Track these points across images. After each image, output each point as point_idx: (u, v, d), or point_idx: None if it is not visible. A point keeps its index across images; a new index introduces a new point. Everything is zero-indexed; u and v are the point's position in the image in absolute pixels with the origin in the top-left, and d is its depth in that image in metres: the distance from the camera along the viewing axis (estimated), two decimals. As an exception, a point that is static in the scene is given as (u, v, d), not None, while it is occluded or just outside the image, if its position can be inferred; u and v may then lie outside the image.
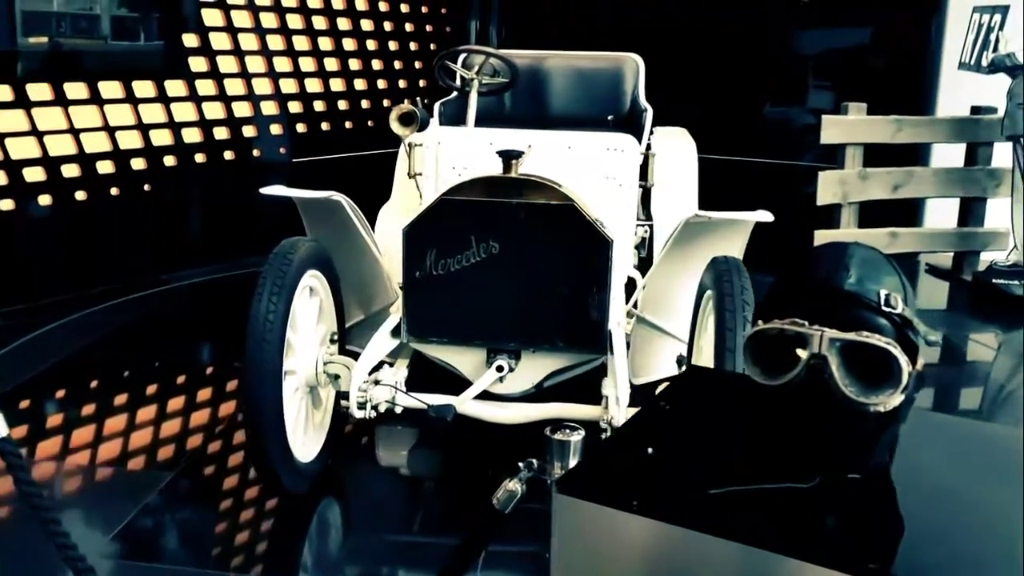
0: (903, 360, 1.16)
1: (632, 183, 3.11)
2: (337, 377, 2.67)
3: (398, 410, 2.66)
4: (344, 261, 2.83)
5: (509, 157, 2.60)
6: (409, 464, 3.06)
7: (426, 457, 3.09)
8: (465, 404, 2.63)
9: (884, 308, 1.18)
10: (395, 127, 3.15)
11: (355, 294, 2.97)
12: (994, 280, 4.85)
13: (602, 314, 2.62)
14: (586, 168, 2.95)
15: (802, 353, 1.16)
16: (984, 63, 4.89)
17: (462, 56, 3.75)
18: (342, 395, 2.73)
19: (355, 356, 2.73)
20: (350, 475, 2.97)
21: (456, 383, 2.76)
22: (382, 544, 2.60)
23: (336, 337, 2.79)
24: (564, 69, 3.92)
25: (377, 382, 2.65)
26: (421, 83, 6.37)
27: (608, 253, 2.58)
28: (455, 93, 3.82)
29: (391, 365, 2.82)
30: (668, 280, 2.92)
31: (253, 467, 2.75)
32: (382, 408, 2.64)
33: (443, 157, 3.12)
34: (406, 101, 3.85)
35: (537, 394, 2.79)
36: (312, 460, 2.68)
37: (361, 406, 2.59)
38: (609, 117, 3.81)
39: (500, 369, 2.65)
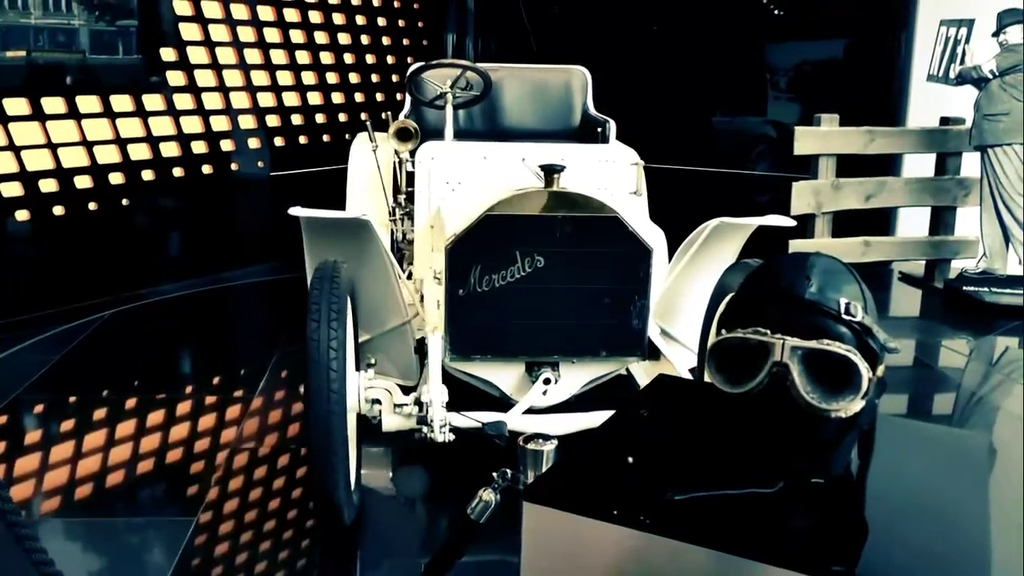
0: (863, 367, 1.19)
1: (624, 193, 3.15)
2: (377, 402, 2.62)
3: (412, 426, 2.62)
4: (360, 281, 2.79)
5: (551, 171, 2.61)
6: (396, 483, 3.03)
7: (410, 474, 3.07)
8: (516, 418, 2.61)
9: (844, 316, 1.21)
10: (393, 143, 3.15)
11: (366, 314, 2.93)
12: (965, 287, 4.92)
13: (643, 321, 2.66)
14: (581, 179, 2.98)
15: (765, 361, 1.19)
16: (952, 75, 4.98)
17: (411, 71, 3.80)
18: (361, 419, 2.68)
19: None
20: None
21: (479, 399, 2.75)
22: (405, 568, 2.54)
23: (374, 361, 2.73)
24: (515, 81, 3.95)
25: (419, 403, 2.61)
26: (398, 96, 6.40)
27: (649, 262, 2.63)
28: (408, 107, 3.86)
29: (415, 387, 2.79)
30: (680, 286, 2.95)
31: (315, 500, 2.61)
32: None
33: (435, 172, 3.12)
34: (390, 116, 3.87)
35: (575, 403, 2.79)
36: (355, 489, 2.62)
37: (442, 430, 2.53)
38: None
39: (547, 382, 2.66)
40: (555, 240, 2.57)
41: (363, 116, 6.01)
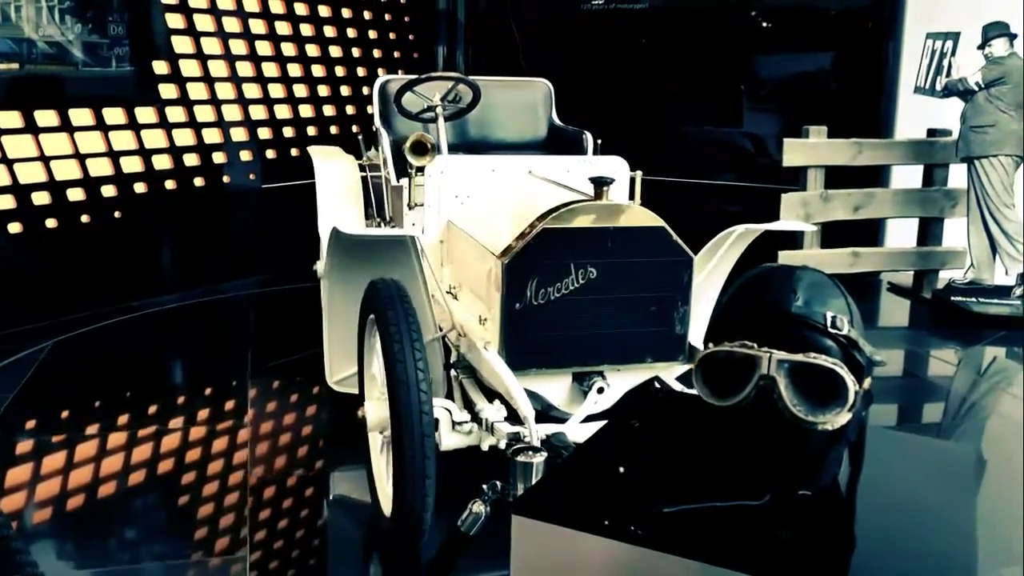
0: (849, 380, 1.20)
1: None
2: (436, 421, 2.57)
3: (503, 444, 2.57)
4: None
5: (601, 184, 2.65)
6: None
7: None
8: (574, 428, 2.61)
9: (831, 330, 1.23)
10: (410, 158, 3.16)
11: None
12: (952, 298, 4.95)
13: (685, 326, 2.72)
14: (584, 190, 3.02)
15: (752, 374, 1.20)
16: (938, 87, 5.03)
17: (380, 83, 3.87)
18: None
19: None
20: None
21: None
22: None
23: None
24: (484, 94, 3.97)
25: (478, 420, 2.60)
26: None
27: (691, 269, 2.70)
28: (377, 120, 3.88)
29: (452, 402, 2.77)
30: (697, 293, 3.00)
31: (396, 524, 2.47)
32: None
33: (445, 186, 3.15)
34: (381, 133, 3.88)
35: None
36: None
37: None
38: (598, 141, 3.88)
39: (600, 391, 2.68)
40: (606, 251, 2.61)
41: (354, 129, 6.03)
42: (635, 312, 2.68)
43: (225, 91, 5.41)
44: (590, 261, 2.60)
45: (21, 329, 4.31)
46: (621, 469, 1.25)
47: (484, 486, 1.45)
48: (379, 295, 2.52)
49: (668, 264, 2.67)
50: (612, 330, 2.68)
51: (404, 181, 3.54)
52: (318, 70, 5.98)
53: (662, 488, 1.21)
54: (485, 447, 2.57)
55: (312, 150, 4.32)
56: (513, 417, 2.59)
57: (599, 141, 3.85)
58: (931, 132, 5.20)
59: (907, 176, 5.45)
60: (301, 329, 4.38)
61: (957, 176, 5.11)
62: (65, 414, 3.55)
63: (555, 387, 2.73)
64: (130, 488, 2.98)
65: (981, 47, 4.77)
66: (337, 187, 3.97)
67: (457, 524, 1.46)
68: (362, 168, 4.11)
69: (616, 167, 3.25)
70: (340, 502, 3.00)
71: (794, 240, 5.06)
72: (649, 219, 2.66)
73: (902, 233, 5.53)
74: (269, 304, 5.08)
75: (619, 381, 2.75)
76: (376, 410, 2.65)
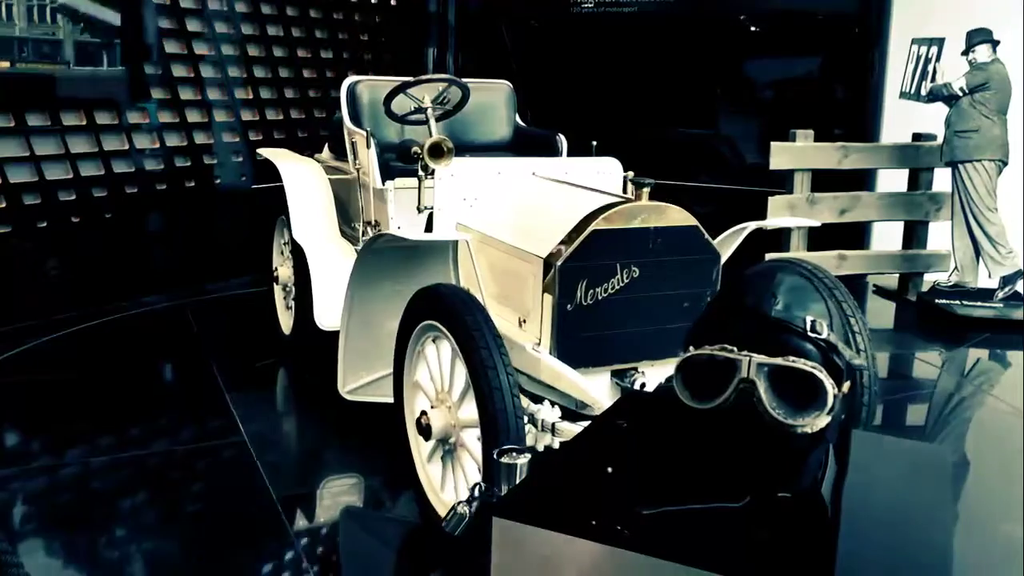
0: (828, 383, 1.22)
1: None
2: None
3: (557, 444, 2.60)
4: None
5: (642, 185, 2.72)
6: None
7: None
8: None
9: (810, 333, 1.25)
10: (429, 161, 3.16)
11: None
12: (937, 300, 5.00)
13: None
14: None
15: (732, 377, 1.22)
16: (923, 92, 5.08)
17: (348, 85, 3.90)
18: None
19: None
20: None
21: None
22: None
23: None
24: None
25: (533, 422, 2.61)
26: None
27: (719, 265, 2.78)
28: (348, 121, 3.89)
29: None
30: None
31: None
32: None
33: (454, 189, 3.17)
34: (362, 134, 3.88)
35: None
36: None
37: None
38: (594, 143, 3.90)
39: (642, 387, 2.73)
40: (647, 251, 2.68)
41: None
42: (671, 309, 2.74)
43: (215, 93, 5.41)
44: (634, 261, 2.67)
45: (8, 329, 4.31)
46: (609, 470, 1.26)
47: (467, 488, 1.47)
48: (448, 301, 2.52)
49: (702, 262, 2.76)
50: (651, 327, 2.74)
51: (388, 184, 3.55)
52: (309, 72, 5.98)
53: (642, 490, 1.22)
54: (540, 448, 2.57)
55: (267, 153, 4.28)
56: (566, 416, 2.62)
57: (595, 143, 3.87)
58: (916, 136, 5.25)
59: (892, 180, 5.50)
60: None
61: (942, 180, 5.16)
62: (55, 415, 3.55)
63: (595, 385, 2.75)
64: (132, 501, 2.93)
65: (965, 53, 4.82)
66: (310, 191, 3.95)
67: (442, 525, 1.47)
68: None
69: (611, 168, 3.29)
70: (383, 512, 2.94)
71: (781, 242, 5.10)
72: (685, 218, 2.73)
73: (887, 236, 5.58)
74: (262, 304, 5.07)
75: (654, 375, 2.80)
76: (440, 418, 2.62)
